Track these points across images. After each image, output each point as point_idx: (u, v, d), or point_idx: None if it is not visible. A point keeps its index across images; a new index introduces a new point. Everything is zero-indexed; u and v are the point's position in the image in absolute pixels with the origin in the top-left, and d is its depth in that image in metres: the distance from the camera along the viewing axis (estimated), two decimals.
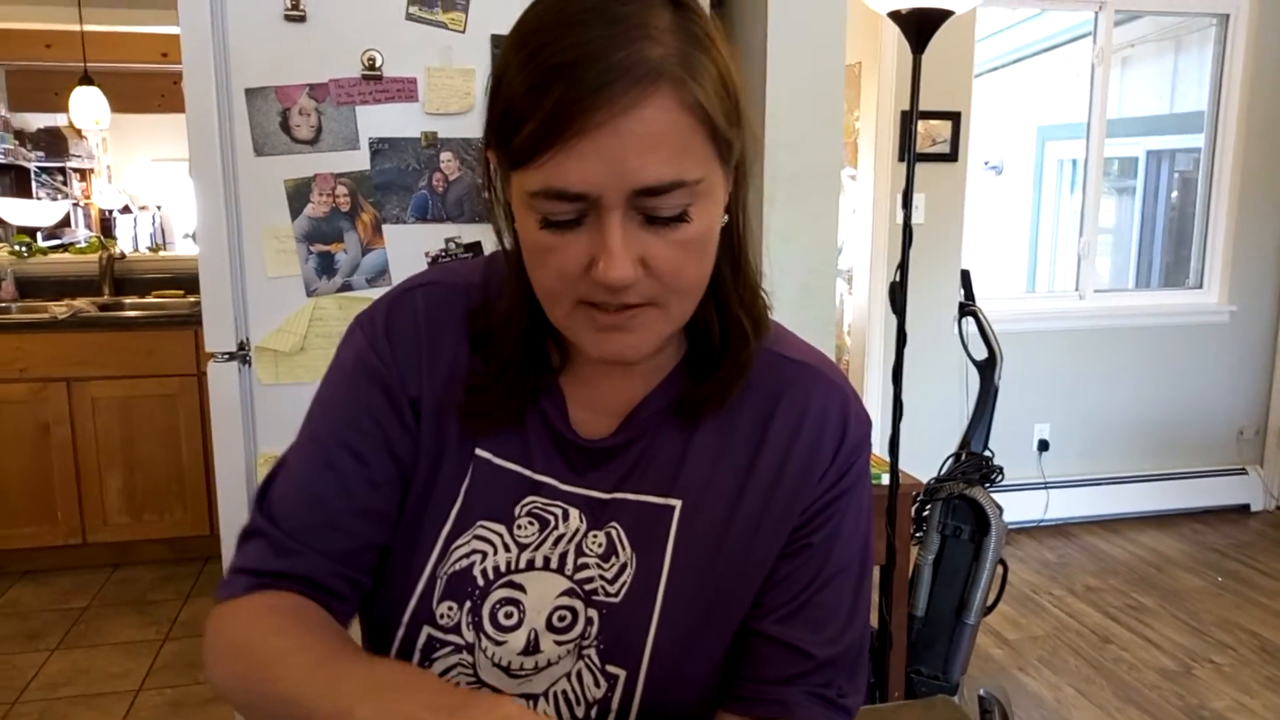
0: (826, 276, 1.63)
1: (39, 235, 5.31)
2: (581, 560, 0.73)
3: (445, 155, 1.62)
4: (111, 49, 4.95)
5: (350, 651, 0.68)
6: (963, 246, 3.67)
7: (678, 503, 0.74)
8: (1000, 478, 2.50)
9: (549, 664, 0.72)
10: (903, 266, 2.01)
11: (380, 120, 1.59)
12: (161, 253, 5.30)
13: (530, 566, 0.73)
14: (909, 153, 2.00)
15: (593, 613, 0.72)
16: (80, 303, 3.65)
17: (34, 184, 6.47)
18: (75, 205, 6.79)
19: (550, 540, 0.74)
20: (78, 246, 4.78)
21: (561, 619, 0.72)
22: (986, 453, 2.52)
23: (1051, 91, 6.43)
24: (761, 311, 0.75)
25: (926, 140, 3.52)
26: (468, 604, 0.72)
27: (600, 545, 0.74)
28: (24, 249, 4.14)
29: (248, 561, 0.73)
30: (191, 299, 3.82)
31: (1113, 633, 3.05)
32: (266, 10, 1.54)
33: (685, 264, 0.65)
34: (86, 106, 4.60)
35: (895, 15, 1.87)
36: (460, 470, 0.74)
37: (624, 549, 0.73)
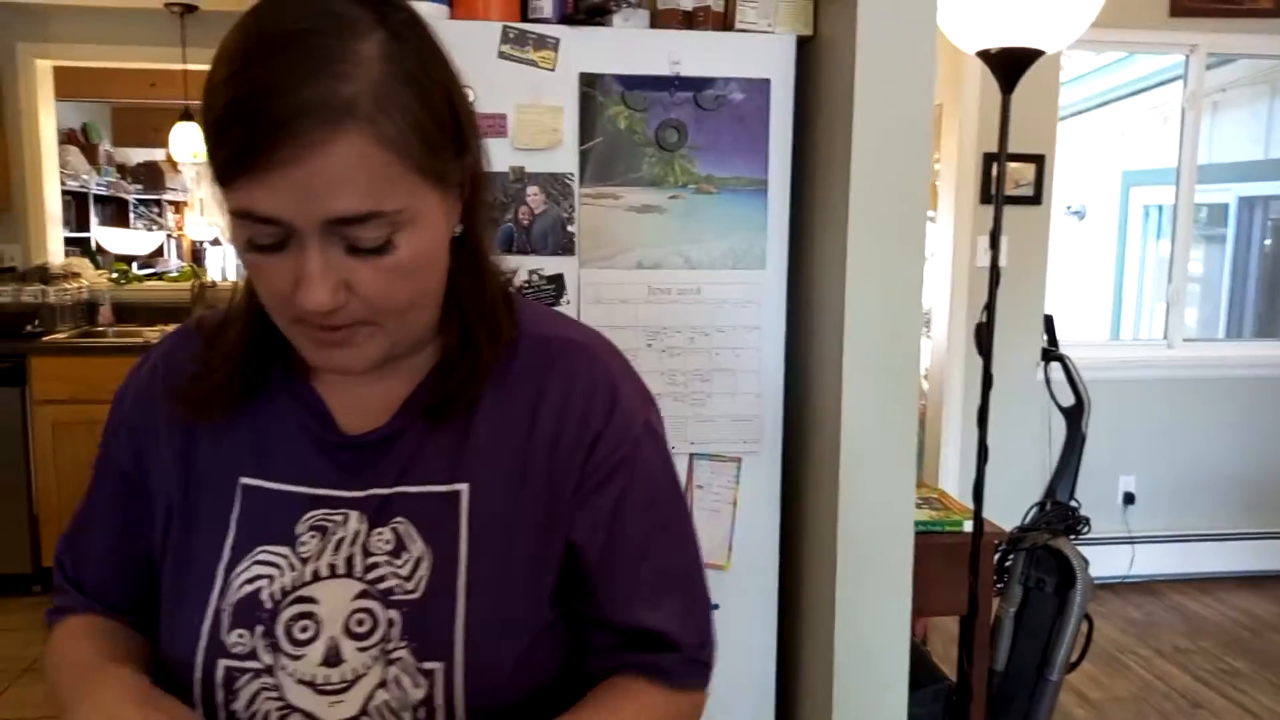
0: (914, 316, 1.60)
1: (134, 264, 5.54)
2: (370, 560, 0.72)
3: (532, 189, 1.65)
4: None
5: (97, 664, 0.74)
6: (1045, 291, 3.59)
7: (464, 486, 0.74)
8: (1086, 529, 2.42)
9: (356, 675, 0.70)
10: (989, 308, 1.97)
11: None
12: None
13: (317, 577, 0.72)
14: (997, 194, 1.97)
15: (393, 613, 0.71)
16: (173, 328, 3.79)
17: (132, 215, 6.76)
18: (169, 236, 7.08)
19: (331, 547, 0.73)
20: (170, 275, 4.97)
21: (360, 623, 0.71)
22: (1072, 503, 2.44)
23: (1137, 136, 6.29)
24: (500, 319, 0.76)
25: (1010, 183, 3.46)
26: (259, 628, 0.71)
27: (388, 543, 0.73)
28: (121, 276, 4.33)
29: (56, 603, 0.84)
30: None
31: (1203, 697, 2.90)
32: None
33: (393, 288, 0.66)
34: (186, 141, 4.80)
35: (984, 55, 1.85)
36: (224, 502, 0.75)
37: (415, 543, 0.73)
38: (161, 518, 0.77)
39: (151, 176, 6.99)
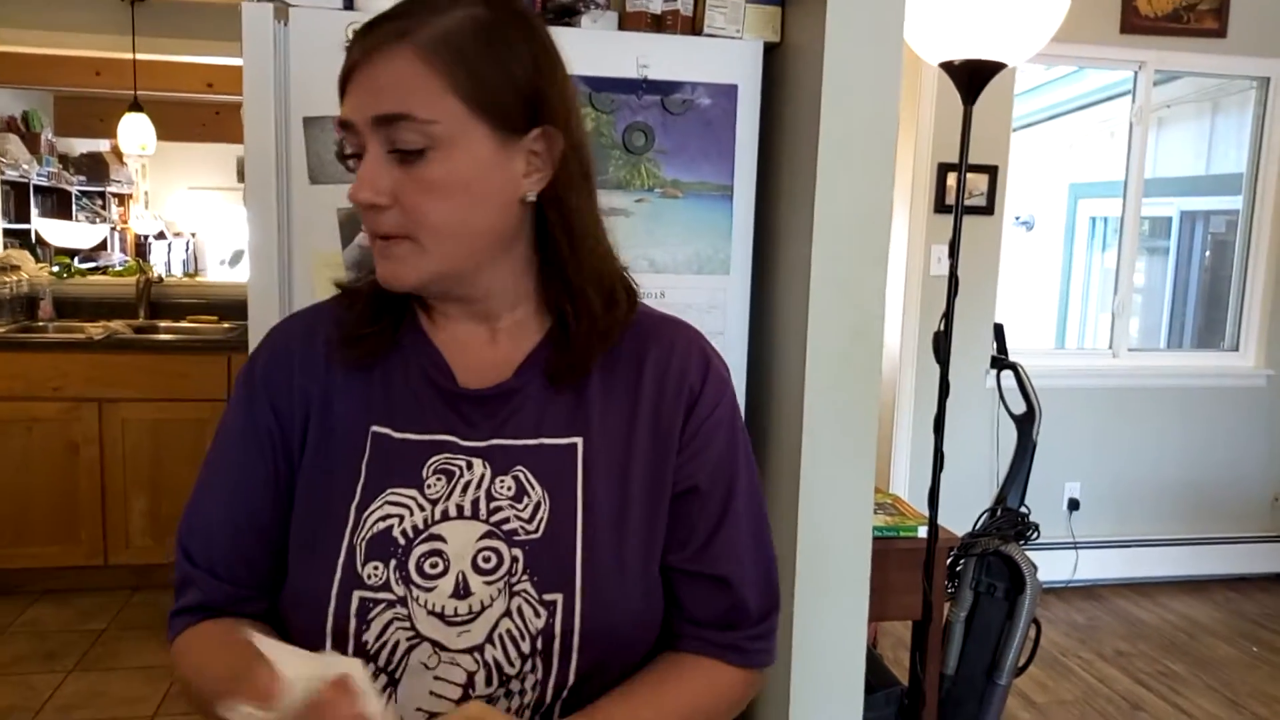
0: (875, 321, 1.62)
1: (76, 257, 5.38)
2: (494, 504, 0.79)
3: None
4: (158, 78, 5.06)
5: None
6: (996, 300, 3.65)
7: (579, 440, 0.82)
8: (1036, 535, 2.46)
9: (483, 606, 0.76)
10: (948, 316, 2.00)
11: None
12: (197, 278, 5.36)
13: (445, 517, 0.79)
14: (957, 203, 2.00)
15: (516, 551, 0.78)
16: (116, 324, 3.69)
17: (74, 207, 6.57)
18: (113, 229, 6.90)
19: (459, 490, 0.79)
20: (115, 269, 4.84)
21: (486, 559, 0.77)
22: (1022, 509, 2.48)
23: (1085, 149, 6.44)
24: (613, 290, 0.85)
25: (964, 193, 3.51)
26: (393, 561, 0.77)
27: (509, 489, 0.80)
28: (63, 270, 4.20)
29: (177, 603, 0.85)
30: (226, 324, 3.85)
31: (1144, 700, 2.97)
32: (328, 39, 1.56)
33: (427, 203, 0.76)
34: (134, 132, 4.69)
35: (947, 66, 1.88)
36: (356, 449, 0.82)
37: (534, 489, 0.80)
38: (293, 476, 0.84)
39: (95, 168, 6.81)
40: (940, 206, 3.55)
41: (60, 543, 3.39)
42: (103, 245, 6.56)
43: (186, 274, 6.71)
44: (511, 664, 0.76)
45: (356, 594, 0.76)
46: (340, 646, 0.76)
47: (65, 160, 6.57)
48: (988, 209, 3.59)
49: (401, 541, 0.77)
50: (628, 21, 1.64)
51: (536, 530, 0.78)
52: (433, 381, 0.83)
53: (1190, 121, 5.24)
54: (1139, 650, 3.33)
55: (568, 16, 1.62)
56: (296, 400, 0.84)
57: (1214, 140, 5.13)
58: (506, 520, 0.78)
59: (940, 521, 2.13)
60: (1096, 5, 3.56)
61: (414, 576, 0.76)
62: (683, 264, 1.67)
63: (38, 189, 5.98)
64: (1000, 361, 2.68)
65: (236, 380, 0.88)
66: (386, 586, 0.76)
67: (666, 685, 0.82)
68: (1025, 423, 2.52)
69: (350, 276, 0.91)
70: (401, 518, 0.78)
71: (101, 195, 6.93)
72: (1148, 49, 3.67)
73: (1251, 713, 2.91)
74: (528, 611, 0.76)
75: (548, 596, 0.76)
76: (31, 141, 5.93)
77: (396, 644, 0.76)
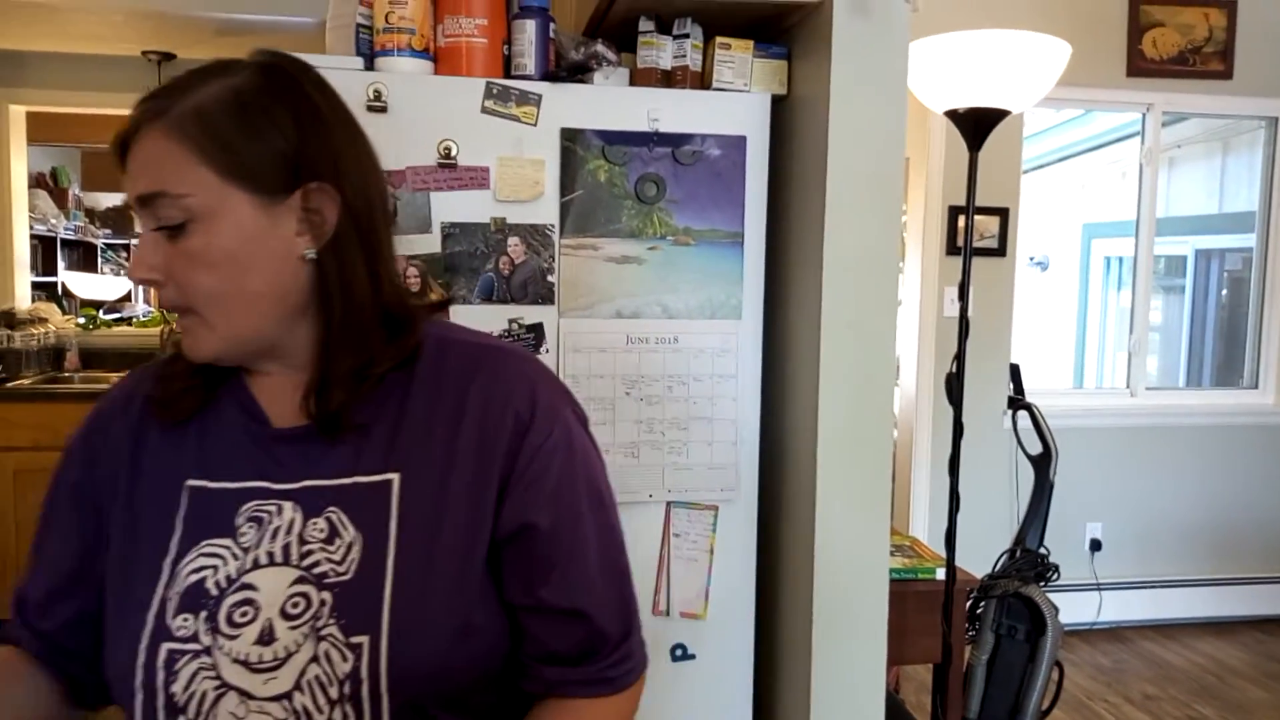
0: (886, 364, 1.64)
1: (102, 309, 5.48)
2: (306, 548, 0.79)
3: (513, 240, 1.67)
4: None
5: None
6: (1011, 341, 3.66)
7: (395, 476, 0.81)
8: (1056, 576, 2.45)
9: (289, 653, 0.76)
10: (959, 358, 2.01)
11: (453, 206, 1.64)
12: None
13: (256, 565, 0.78)
14: (965, 245, 2.03)
15: (325, 594, 0.77)
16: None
17: (100, 259, 6.70)
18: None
19: (269, 536, 0.79)
20: (139, 320, 4.93)
21: (295, 605, 0.77)
22: (1042, 550, 2.47)
23: (1097, 189, 6.47)
24: (368, 342, 0.82)
25: (975, 235, 3.55)
26: (203, 612, 0.77)
27: (322, 531, 0.79)
28: (89, 321, 4.28)
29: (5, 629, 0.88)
30: None
31: None
32: (350, 101, 1.61)
33: (196, 275, 0.77)
34: None
35: (952, 114, 1.92)
36: (169, 504, 0.82)
37: (346, 529, 0.79)
38: (106, 527, 0.84)
39: (120, 221, 6.94)
40: (952, 248, 3.57)
41: None
42: (127, 297, 6.67)
43: None
44: (320, 709, 0.75)
45: (165, 646, 0.77)
46: (150, 699, 0.76)
47: (91, 214, 6.72)
48: (1000, 250, 3.62)
49: (214, 592, 0.77)
50: (638, 77, 1.69)
51: (347, 572, 0.77)
52: (246, 426, 0.84)
53: (1201, 160, 5.26)
54: (1167, 694, 3.28)
55: (580, 73, 1.68)
56: (110, 459, 0.86)
57: (1225, 179, 5.15)
58: (318, 564, 0.78)
59: (959, 563, 2.12)
60: (1102, 49, 3.61)
61: (222, 626, 0.76)
62: (695, 309, 1.70)
63: (65, 242, 6.11)
64: (1017, 402, 2.69)
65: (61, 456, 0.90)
66: (194, 637, 0.76)
67: None
68: (1042, 463, 2.52)
69: None
70: (215, 568, 0.78)
71: (126, 248, 7.06)
72: (1155, 91, 3.71)
73: None
74: (334, 655, 0.75)
75: (354, 639, 0.75)
76: (59, 197, 6.08)
77: (204, 694, 0.75)
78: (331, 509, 0.80)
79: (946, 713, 2.12)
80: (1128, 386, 3.98)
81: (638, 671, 0.88)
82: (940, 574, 2.07)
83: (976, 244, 3.55)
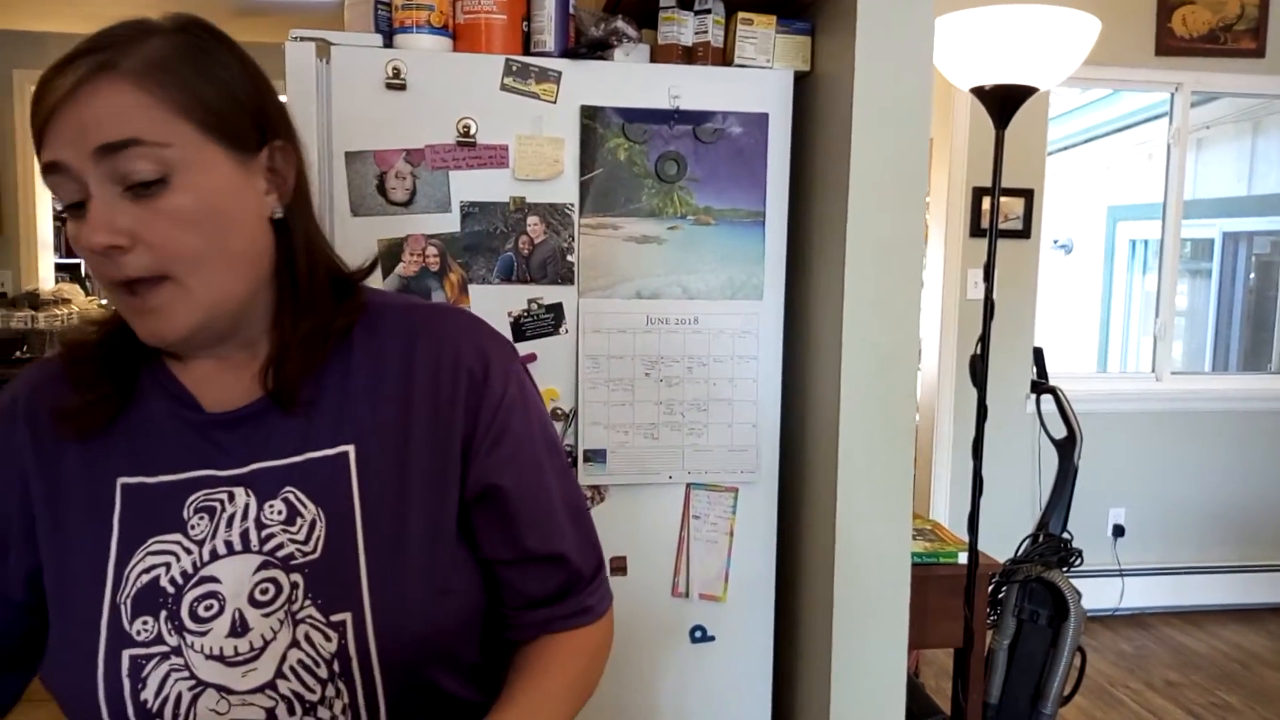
0: (909, 346, 1.62)
1: None
2: (266, 532, 0.75)
3: (532, 219, 1.65)
4: None
5: None
6: (1035, 324, 3.62)
7: (350, 447, 0.78)
8: (1079, 561, 2.42)
9: (265, 641, 0.73)
10: (984, 340, 1.99)
11: (472, 185, 1.63)
12: None
13: (215, 556, 0.75)
14: (991, 226, 1.99)
15: (295, 576, 0.74)
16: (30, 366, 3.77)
17: None
18: None
19: (224, 524, 0.76)
20: None
21: (264, 591, 0.74)
22: (1065, 535, 2.45)
23: (1123, 171, 6.38)
24: (325, 299, 0.81)
25: (999, 216, 3.50)
26: (164, 613, 0.73)
27: (280, 513, 0.76)
28: None
29: None
30: None
31: None
32: (369, 79, 1.61)
33: (177, 233, 0.71)
34: None
35: (979, 91, 1.89)
36: (102, 506, 0.77)
37: (306, 508, 0.76)
38: (16, 549, 0.79)
39: None
40: (976, 230, 3.53)
41: None
42: None
43: None
44: (311, 691, 0.73)
45: (126, 653, 0.73)
46: (117, 710, 0.72)
47: None
48: (1024, 232, 3.57)
49: (171, 590, 0.74)
50: (659, 54, 1.67)
51: (314, 550, 0.75)
52: (178, 415, 0.79)
53: (1230, 142, 5.18)
54: (1190, 681, 3.25)
55: (600, 50, 1.66)
56: (16, 473, 0.79)
57: (1255, 160, 5.06)
58: (281, 546, 0.75)
59: (981, 548, 2.10)
60: (1131, 28, 3.55)
61: (187, 623, 0.73)
62: (716, 290, 1.69)
63: None
64: (1040, 386, 2.66)
65: None
66: (159, 639, 0.73)
67: (547, 673, 0.84)
68: (1066, 447, 2.49)
69: (81, 331, 0.84)
70: (168, 565, 0.74)
71: None
72: (1184, 70, 3.64)
73: None
74: (316, 636, 0.73)
75: (335, 617, 0.73)
76: None
77: (179, 696, 0.72)
78: (287, 489, 0.77)
79: (967, 698, 2.11)
80: (1153, 371, 3.93)
81: (609, 598, 0.91)
82: (962, 558, 2.05)
83: (1000, 226, 3.51)
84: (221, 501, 0.76)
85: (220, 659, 0.72)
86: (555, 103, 1.63)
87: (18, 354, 3.63)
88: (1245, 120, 5.00)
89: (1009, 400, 3.51)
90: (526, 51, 1.64)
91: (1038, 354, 2.82)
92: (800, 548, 1.78)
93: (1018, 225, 3.57)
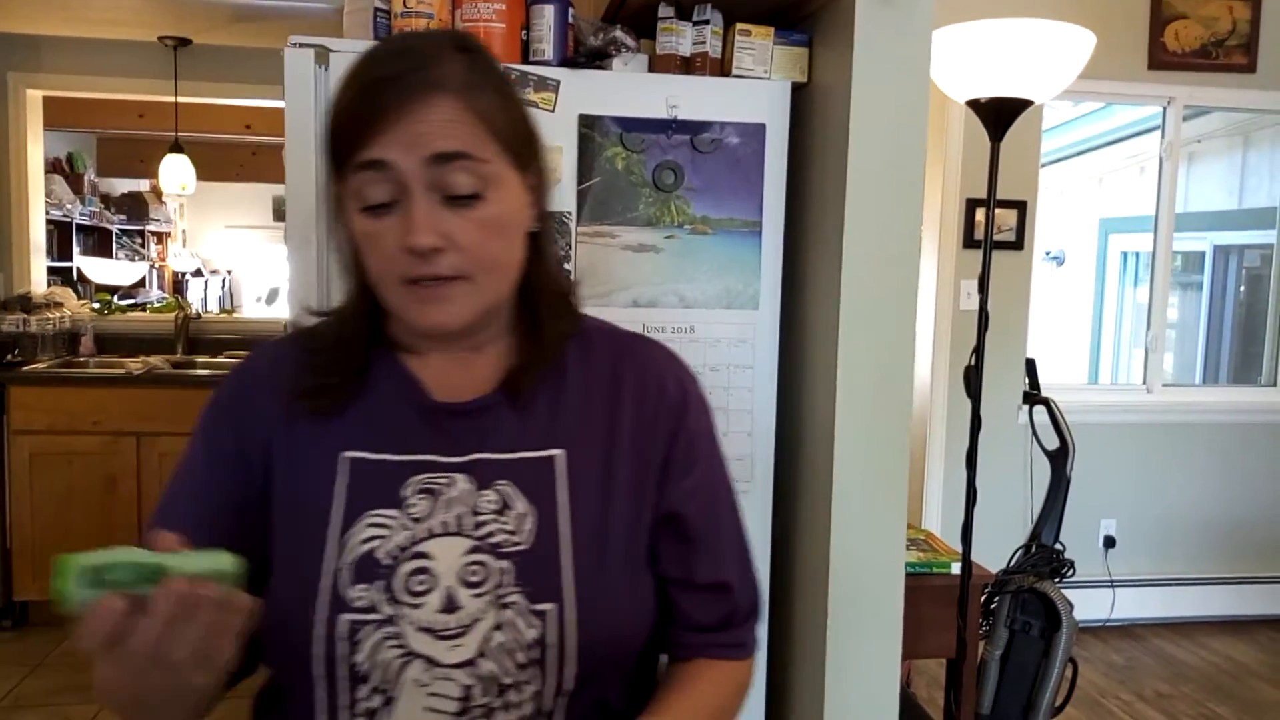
0: (905, 356, 1.62)
1: (116, 294, 5.50)
2: (479, 519, 0.80)
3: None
4: (199, 120, 5.19)
5: None
6: (1027, 335, 3.63)
7: (559, 452, 0.84)
8: (1071, 572, 2.43)
9: (473, 621, 0.78)
10: (978, 350, 1.99)
11: None
12: (234, 315, 5.45)
13: (430, 535, 0.80)
14: (986, 236, 2.01)
15: (504, 563, 0.79)
16: (155, 360, 3.76)
17: (115, 245, 6.73)
18: (151, 267, 7.05)
19: (442, 507, 0.81)
20: (154, 306, 4.95)
21: (474, 573, 0.79)
22: (1057, 546, 2.45)
23: (1115, 184, 6.42)
24: (566, 308, 0.90)
25: (993, 229, 3.52)
26: (379, 582, 0.78)
27: (493, 503, 0.81)
28: (104, 306, 4.30)
29: None
30: None
31: None
32: None
33: (485, 240, 0.79)
34: (175, 173, 4.80)
35: (974, 104, 1.90)
36: (329, 475, 0.82)
37: (518, 501, 0.82)
38: (258, 497, 0.84)
39: (135, 207, 6.97)
40: (969, 242, 3.55)
41: None
42: (141, 282, 6.70)
43: (224, 310, 6.84)
44: (508, 674, 0.77)
45: (344, 617, 0.77)
46: (330, 669, 0.77)
47: (106, 200, 6.74)
48: (1017, 244, 3.59)
49: (386, 562, 0.79)
50: (658, 64, 1.68)
51: (524, 542, 0.80)
52: (411, 402, 0.85)
53: (1222, 155, 5.21)
54: (1181, 692, 3.26)
55: (599, 60, 1.66)
56: (261, 426, 0.85)
57: (1246, 174, 5.10)
58: (492, 534, 0.80)
59: (974, 558, 2.11)
60: (1124, 42, 3.57)
61: (401, 595, 0.78)
62: (712, 299, 1.69)
63: (80, 228, 6.14)
64: (1033, 397, 2.67)
65: (204, 406, 0.88)
66: (374, 608, 0.77)
67: (699, 693, 0.87)
68: (1059, 458, 2.50)
69: (307, 319, 0.92)
70: (384, 538, 0.79)
71: (141, 234, 7.09)
72: (1176, 84, 3.67)
73: None
74: (519, 623, 0.78)
75: (539, 607, 0.78)
76: (75, 182, 6.10)
77: (389, 663, 0.77)
78: (501, 482, 0.82)
79: (960, 708, 2.11)
80: (1144, 383, 3.95)
81: (756, 643, 0.94)
82: (955, 568, 2.05)
83: (994, 237, 3.52)
84: (443, 485, 0.81)
85: (431, 632, 0.77)
86: (553, 111, 1.63)
87: (9, 357, 3.61)
88: (1236, 134, 5.03)
89: (1001, 411, 3.52)
90: (525, 60, 1.64)
91: (1030, 365, 2.83)
92: (794, 557, 1.78)
93: (1011, 237, 3.58)
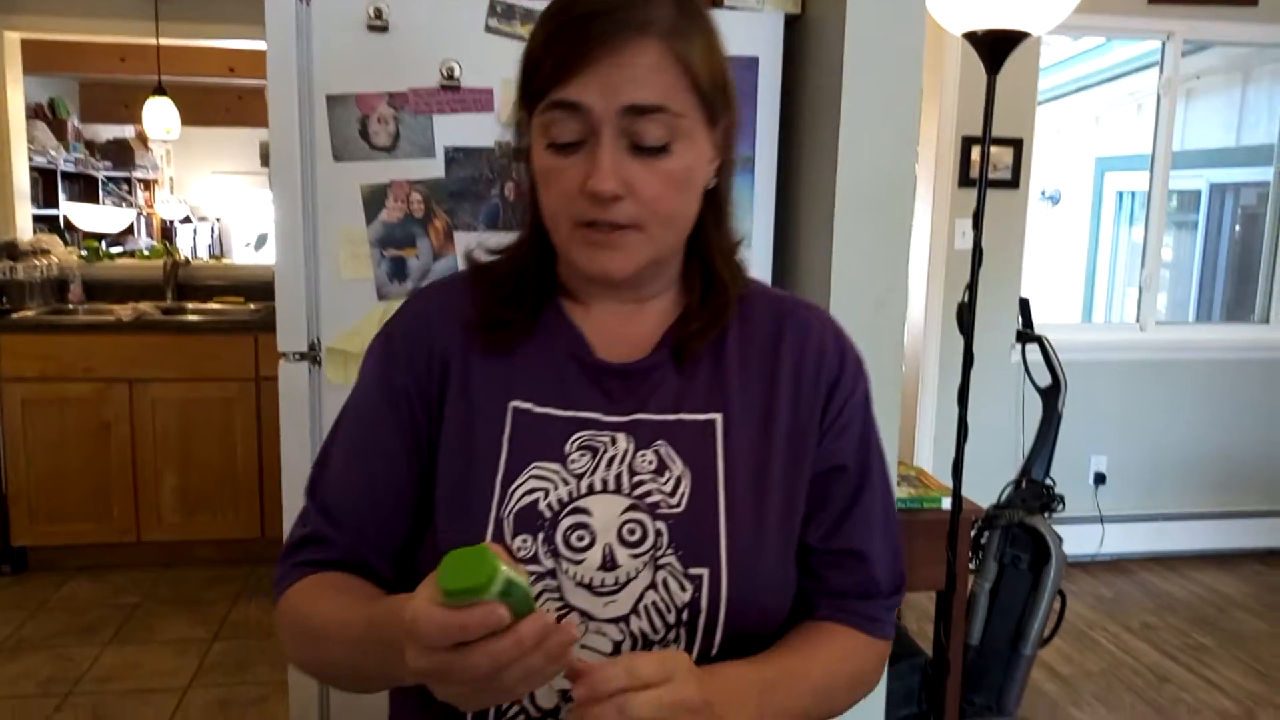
0: (898, 293, 1.62)
1: (104, 241, 5.45)
2: (637, 479, 0.80)
3: (518, 165, 1.64)
4: (182, 63, 5.10)
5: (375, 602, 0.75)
6: (1021, 274, 3.63)
7: (718, 416, 0.83)
8: (1061, 507, 2.46)
9: (629, 578, 0.78)
10: (971, 287, 1.99)
11: (456, 129, 1.61)
12: (223, 261, 5.41)
13: (590, 491, 0.80)
14: (982, 169, 1.99)
15: (660, 525, 0.79)
16: (144, 306, 3.74)
17: (101, 193, 6.65)
18: (139, 214, 6.97)
19: (603, 464, 0.80)
20: (142, 253, 4.90)
21: (631, 532, 0.78)
22: (1047, 481, 2.48)
23: (1111, 122, 6.36)
24: (738, 268, 0.88)
25: (988, 167, 3.49)
26: (540, 535, 0.78)
27: (651, 463, 0.81)
28: (91, 254, 4.26)
29: (295, 557, 0.85)
30: (252, 306, 3.89)
31: (1171, 672, 2.96)
32: (350, 20, 1.58)
33: (666, 193, 0.77)
34: (159, 117, 4.72)
35: (971, 36, 1.86)
36: (496, 423, 0.82)
37: (675, 463, 0.81)
38: (431, 441, 0.84)
39: (121, 154, 6.87)
40: (964, 180, 3.52)
41: (94, 520, 3.45)
42: (130, 230, 6.64)
43: (212, 256, 6.79)
44: (656, 632, 0.77)
45: None
46: None
47: (91, 146, 6.64)
48: (1013, 182, 3.56)
49: (547, 515, 0.79)
50: None
51: (679, 504, 0.79)
52: (575, 358, 0.84)
53: (1220, 92, 5.16)
54: (1166, 623, 3.32)
55: None
56: (436, 365, 0.84)
57: (1245, 111, 5.05)
58: (649, 494, 0.79)
59: (965, 494, 2.12)
60: None
61: (562, 549, 0.78)
62: None
63: (65, 175, 6.05)
64: (1026, 335, 2.67)
65: (372, 344, 0.88)
66: (535, 559, 0.77)
67: (818, 647, 0.85)
68: (1051, 395, 2.51)
69: (483, 255, 0.90)
70: (546, 491, 0.79)
71: (128, 181, 7.00)
72: (1176, 19, 3.61)
73: None
74: (673, 585, 0.77)
75: (693, 571, 0.78)
76: (58, 128, 6.00)
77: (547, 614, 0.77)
78: (659, 443, 0.81)
79: (949, 640, 2.14)
80: (1137, 321, 3.95)
81: (892, 630, 0.91)
82: (946, 504, 2.07)
83: (989, 176, 3.50)
84: (604, 444, 0.81)
85: (589, 588, 0.77)
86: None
87: None
88: (1235, 70, 4.97)
89: (994, 349, 3.52)
90: None
91: (1024, 305, 2.83)
92: None
93: (1006, 175, 3.55)
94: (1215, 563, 3.88)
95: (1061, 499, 2.44)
